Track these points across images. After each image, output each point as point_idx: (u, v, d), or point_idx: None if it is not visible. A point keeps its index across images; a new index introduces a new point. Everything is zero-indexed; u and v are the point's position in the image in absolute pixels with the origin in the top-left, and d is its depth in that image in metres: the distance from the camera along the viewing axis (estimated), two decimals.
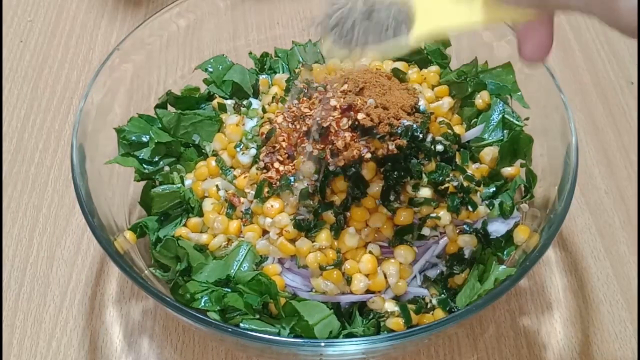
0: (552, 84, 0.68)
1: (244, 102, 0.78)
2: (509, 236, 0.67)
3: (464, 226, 0.67)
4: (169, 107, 0.77)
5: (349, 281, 0.63)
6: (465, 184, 0.67)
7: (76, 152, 0.64)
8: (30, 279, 0.77)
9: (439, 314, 0.64)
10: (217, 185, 0.70)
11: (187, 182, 0.73)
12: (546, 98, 0.70)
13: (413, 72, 0.77)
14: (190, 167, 0.74)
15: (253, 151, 0.70)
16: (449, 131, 0.70)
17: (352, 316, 0.63)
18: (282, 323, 0.59)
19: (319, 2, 0.87)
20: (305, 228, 0.63)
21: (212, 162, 0.72)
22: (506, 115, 0.72)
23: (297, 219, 0.63)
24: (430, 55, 0.79)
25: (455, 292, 0.65)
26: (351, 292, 0.63)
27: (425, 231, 0.65)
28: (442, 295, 0.65)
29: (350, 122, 0.64)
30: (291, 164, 0.66)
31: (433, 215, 0.65)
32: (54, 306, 0.75)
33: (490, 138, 0.73)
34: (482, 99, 0.74)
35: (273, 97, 0.76)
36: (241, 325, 0.60)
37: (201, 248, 0.67)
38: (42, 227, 0.81)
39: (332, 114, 0.65)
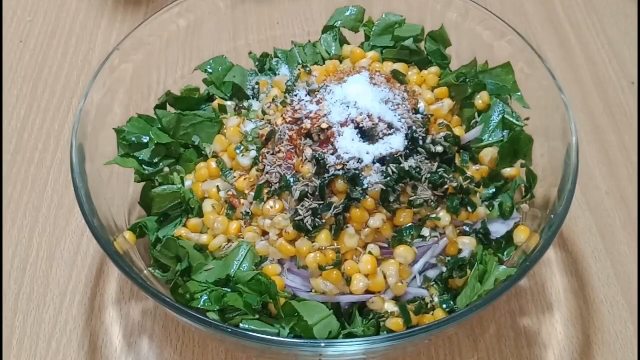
0: (553, 83, 0.68)
1: (244, 104, 0.78)
2: (509, 237, 0.66)
3: (464, 227, 0.67)
4: (169, 107, 0.77)
5: (348, 281, 0.62)
6: (465, 184, 0.67)
7: (76, 152, 0.64)
8: (29, 280, 0.77)
9: (439, 314, 0.63)
10: (217, 186, 0.70)
11: (187, 183, 0.73)
12: (546, 98, 0.69)
13: (412, 74, 0.77)
14: (190, 168, 0.74)
15: (253, 153, 0.70)
16: (449, 132, 0.70)
17: (351, 316, 0.63)
18: (281, 323, 0.59)
19: (319, 2, 0.88)
20: (305, 229, 0.63)
21: (213, 163, 0.72)
22: (506, 116, 0.72)
23: (297, 220, 0.63)
24: (430, 55, 0.79)
25: (455, 293, 0.65)
26: (351, 292, 0.63)
27: (425, 232, 0.65)
28: (442, 295, 0.65)
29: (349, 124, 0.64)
30: (291, 166, 0.66)
31: (433, 216, 0.65)
32: (53, 306, 0.75)
33: (490, 139, 0.72)
34: (481, 99, 0.74)
35: (273, 99, 0.76)
36: (241, 325, 0.60)
37: (201, 248, 0.66)
38: (41, 228, 0.81)
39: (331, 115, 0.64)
